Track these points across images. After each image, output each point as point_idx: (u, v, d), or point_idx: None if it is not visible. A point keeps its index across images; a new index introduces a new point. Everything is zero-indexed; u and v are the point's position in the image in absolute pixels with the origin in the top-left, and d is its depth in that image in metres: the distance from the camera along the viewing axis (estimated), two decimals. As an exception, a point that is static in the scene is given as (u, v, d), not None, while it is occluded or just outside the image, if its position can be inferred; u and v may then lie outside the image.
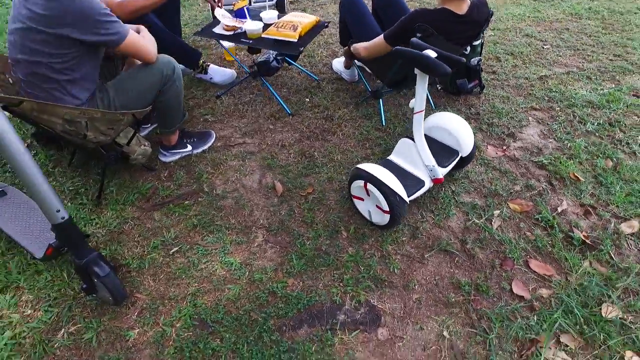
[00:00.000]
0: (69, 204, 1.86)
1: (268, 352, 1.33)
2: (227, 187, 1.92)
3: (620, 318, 1.41)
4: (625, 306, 1.45)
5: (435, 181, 1.72)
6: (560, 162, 2.02)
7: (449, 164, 1.78)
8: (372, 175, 1.56)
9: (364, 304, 1.47)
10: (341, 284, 1.53)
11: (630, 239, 1.69)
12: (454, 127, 1.80)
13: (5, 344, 1.37)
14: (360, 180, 1.63)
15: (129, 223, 1.77)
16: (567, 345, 1.36)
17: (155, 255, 1.64)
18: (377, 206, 1.62)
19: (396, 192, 1.54)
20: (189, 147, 2.06)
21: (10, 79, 1.78)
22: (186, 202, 1.85)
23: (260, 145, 2.16)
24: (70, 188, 1.94)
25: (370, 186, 1.59)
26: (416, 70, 1.47)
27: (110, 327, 1.42)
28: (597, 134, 2.21)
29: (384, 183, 1.54)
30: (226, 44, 2.72)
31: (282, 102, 2.38)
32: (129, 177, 1.98)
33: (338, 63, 2.71)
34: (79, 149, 2.01)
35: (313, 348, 1.35)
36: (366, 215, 1.72)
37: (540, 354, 1.33)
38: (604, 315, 1.42)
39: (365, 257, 1.62)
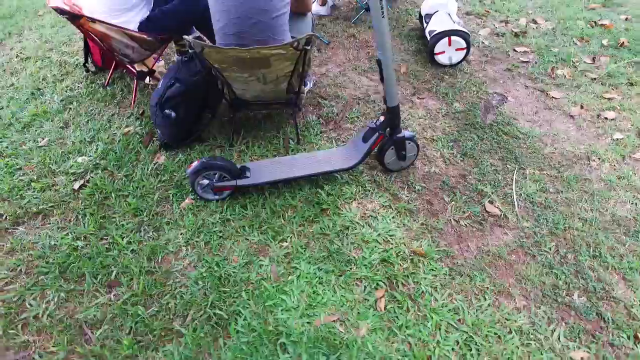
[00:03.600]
0: (275, 155, 2.14)
1: (488, 135, 2.29)
2: (357, 92, 2.56)
3: (560, 49, 2.97)
4: (558, 46, 3.02)
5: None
6: (477, 11, 3.47)
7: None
8: (453, 29, 2.58)
9: (493, 94, 2.56)
10: (475, 90, 2.56)
11: (529, 27, 3.28)
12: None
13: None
14: (445, 38, 2.61)
15: (343, 136, 2.25)
16: (564, 69, 2.80)
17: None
18: (456, 49, 2.66)
19: (468, 33, 2.62)
20: (309, 84, 2.53)
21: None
22: (353, 109, 2.42)
23: (341, 66, 2.79)
24: (264, 152, 2.17)
25: (453, 37, 2.60)
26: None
27: (415, 180, 2.05)
28: (469, -7, 3.78)
29: (461, 30, 2.59)
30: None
31: (320, 36, 2.99)
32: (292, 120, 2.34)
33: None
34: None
35: (501, 119, 2.37)
36: (447, 62, 2.73)
37: (557, 73, 2.73)
38: (555, 50, 2.94)
39: (470, 78, 2.67)
